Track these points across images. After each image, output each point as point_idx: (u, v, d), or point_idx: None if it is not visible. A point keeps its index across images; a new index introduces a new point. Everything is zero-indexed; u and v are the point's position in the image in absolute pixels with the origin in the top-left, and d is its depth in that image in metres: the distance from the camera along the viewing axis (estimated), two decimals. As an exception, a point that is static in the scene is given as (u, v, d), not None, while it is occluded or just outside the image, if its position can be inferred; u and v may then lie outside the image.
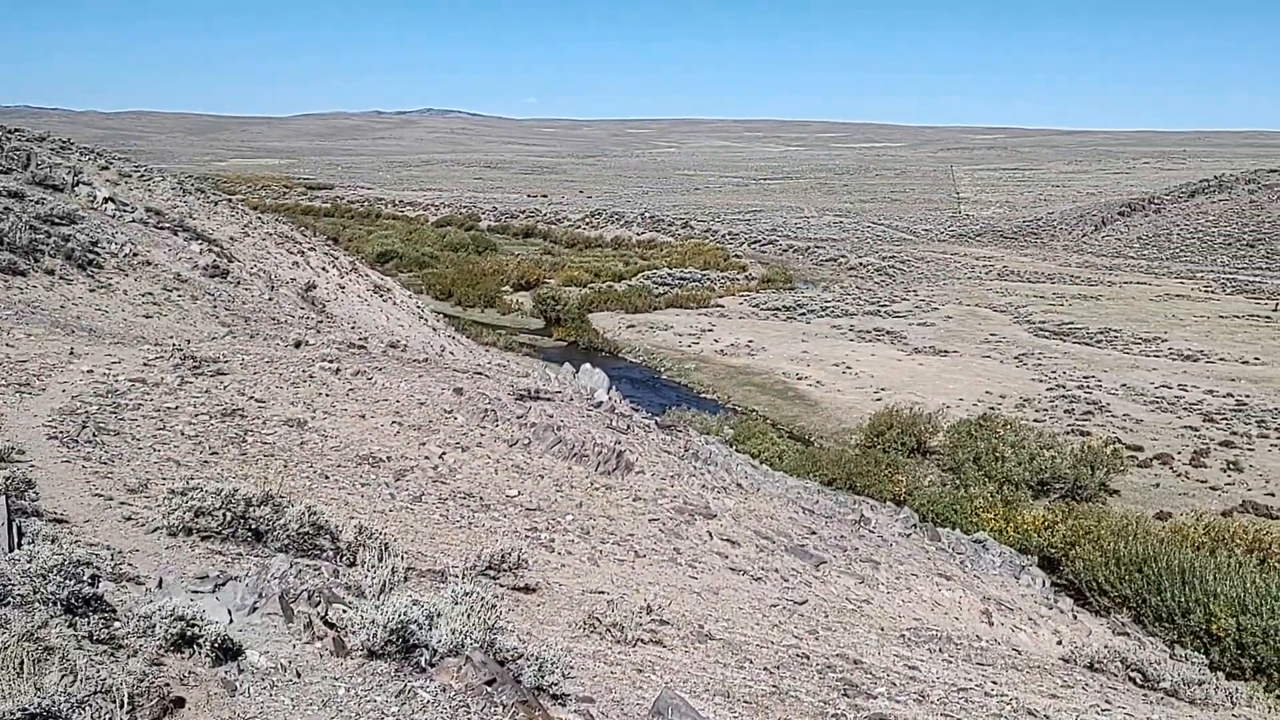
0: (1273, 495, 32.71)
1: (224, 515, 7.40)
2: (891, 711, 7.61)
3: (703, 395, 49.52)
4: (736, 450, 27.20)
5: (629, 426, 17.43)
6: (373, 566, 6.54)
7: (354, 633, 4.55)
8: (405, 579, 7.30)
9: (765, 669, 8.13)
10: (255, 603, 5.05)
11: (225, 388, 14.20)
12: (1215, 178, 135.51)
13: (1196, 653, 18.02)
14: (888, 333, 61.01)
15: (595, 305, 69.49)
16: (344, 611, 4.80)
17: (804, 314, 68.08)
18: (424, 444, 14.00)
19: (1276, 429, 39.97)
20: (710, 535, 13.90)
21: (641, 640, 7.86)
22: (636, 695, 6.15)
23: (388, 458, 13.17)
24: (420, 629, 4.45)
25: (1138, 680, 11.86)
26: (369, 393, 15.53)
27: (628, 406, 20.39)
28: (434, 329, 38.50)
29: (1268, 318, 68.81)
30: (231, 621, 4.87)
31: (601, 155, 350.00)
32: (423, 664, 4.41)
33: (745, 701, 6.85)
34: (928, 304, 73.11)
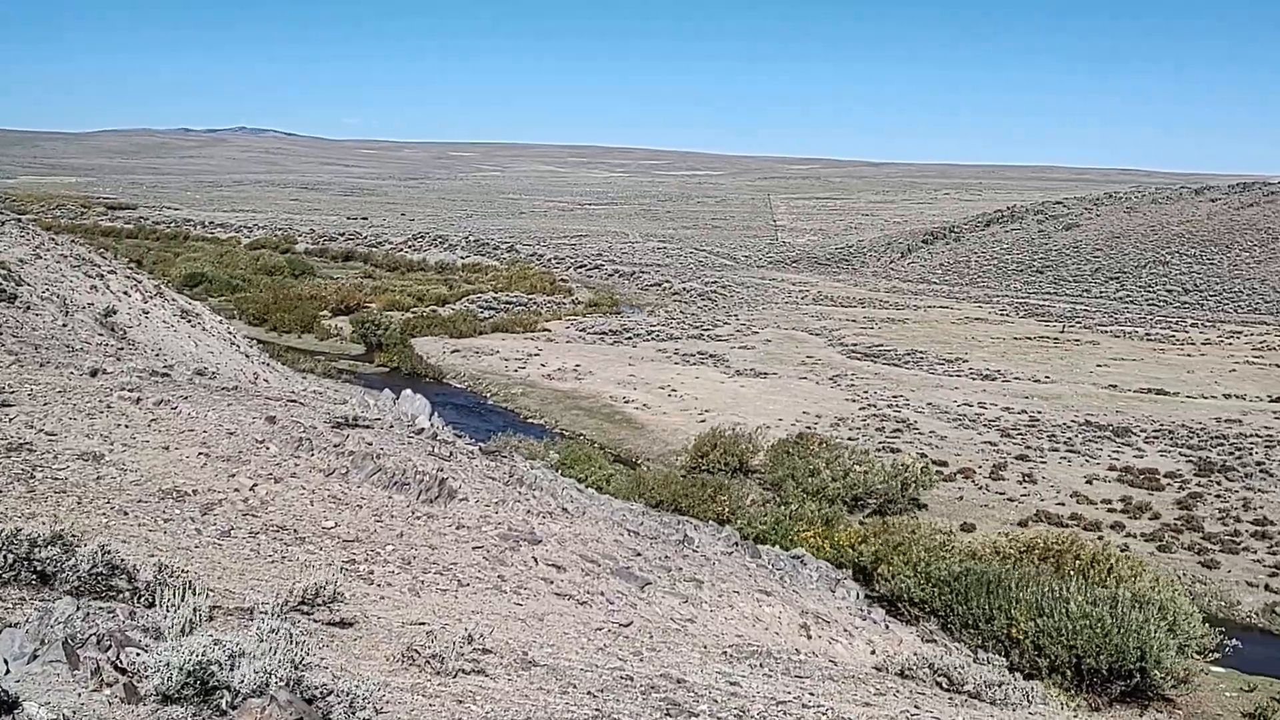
0: (1063, 504, 35.18)
1: (4, 558, 6.82)
2: (713, 728, 7.72)
3: (530, 420, 49.31)
4: (563, 474, 27.16)
5: (452, 453, 17.13)
6: (174, 606, 6.17)
7: (147, 677, 4.26)
8: (210, 618, 6.93)
9: (589, 693, 8.11)
10: (36, 650, 4.66)
11: (11, 420, 13.16)
12: (1008, 208, 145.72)
13: (998, 655, 19.10)
14: (711, 356, 62.43)
15: (418, 330, 68.20)
16: (138, 655, 4.49)
17: (630, 338, 68.89)
18: (234, 475, 13.35)
19: (1065, 442, 43.07)
20: (535, 561, 13.80)
21: (463, 670, 7.70)
22: (456, 727, 6.01)
23: (194, 491, 12.48)
24: (221, 669, 4.21)
25: (944, 685, 12.47)
26: (173, 423, 14.70)
27: (451, 433, 20.08)
28: (247, 355, 36.85)
29: (1055, 339, 74.25)
30: (8, 672, 4.49)
31: (424, 178, 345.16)
32: (223, 706, 4.18)
33: (568, 727, 6.81)
34: (748, 328, 75.31)
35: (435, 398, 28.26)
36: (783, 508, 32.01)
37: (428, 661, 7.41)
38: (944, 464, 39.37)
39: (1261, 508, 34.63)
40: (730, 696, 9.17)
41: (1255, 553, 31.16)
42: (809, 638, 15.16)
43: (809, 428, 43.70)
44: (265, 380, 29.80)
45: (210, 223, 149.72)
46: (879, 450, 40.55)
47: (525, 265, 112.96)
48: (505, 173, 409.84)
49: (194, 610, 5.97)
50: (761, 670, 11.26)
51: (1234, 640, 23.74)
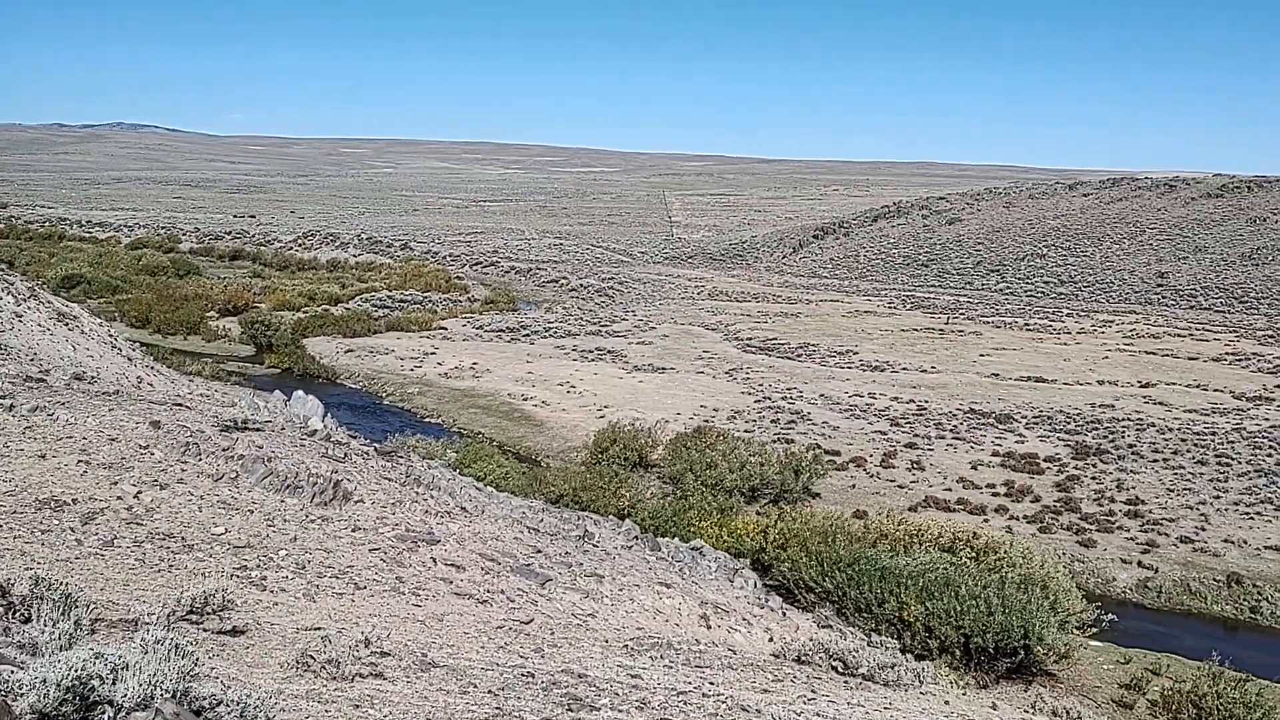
0: (950, 490, 36.32)
1: None
2: (614, 721, 7.79)
3: (427, 419, 48.66)
4: (462, 473, 26.92)
5: (347, 454, 16.83)
6: (52, 620, 5.94)
7: (22, 695, 4.09)
8: (93, 631, 6.71)
9: (489, 692, 8.09)
10: (-99, 673, 4.44)
11: None
12: (894, 204, 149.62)
13: (891, 638, 19.66)
14: (609, 352, 62.55)
15: (310, 330, 66.61)
16: (13, 673, 4.32)
17: (528, 335, 68.55)
18: (116, 483, 12.87)
19: (951, 430, 44.47)
20: (434, 561, 13.66)
21: (360, 675, 7.60)
22: (353, 731, 5.94)
23: (73, 500, 12.00)
24: (102, 683, 4.07)
25: (839, 669, 12.78)
26: (50, 430, 14.10)
27: (345, 434, 19.70)
28: (129, 359, 35.50)
29: (941, 331, 76.56)
30: None
31: (314, 175, 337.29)
32: (106, 722, 4.05)
33: (468, 726, 6.79)
34: (646, 323, 75.67)
35: (329, 399, 27.70)
36: (682, 500, 32.32)
37: (323, 667, 7.29)
38: (837, 453, 40.25)
39: (1134, 488, 36.37)
40: (632, 689, 9.25)
41: (1129, 531, 32.71)
42: (709, 628, 15.36)
43: (706, 421, 44.17)
44: (149, 384, 28.78)
45: (88, 222, 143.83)
46: (774, 441, 41.21)
47: (420, 263, 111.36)
48: (398, 169, 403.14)
49: (74, 623, 5.76)
50: (662, 662, 11.37)
51: (1110, 615, 24.96)
